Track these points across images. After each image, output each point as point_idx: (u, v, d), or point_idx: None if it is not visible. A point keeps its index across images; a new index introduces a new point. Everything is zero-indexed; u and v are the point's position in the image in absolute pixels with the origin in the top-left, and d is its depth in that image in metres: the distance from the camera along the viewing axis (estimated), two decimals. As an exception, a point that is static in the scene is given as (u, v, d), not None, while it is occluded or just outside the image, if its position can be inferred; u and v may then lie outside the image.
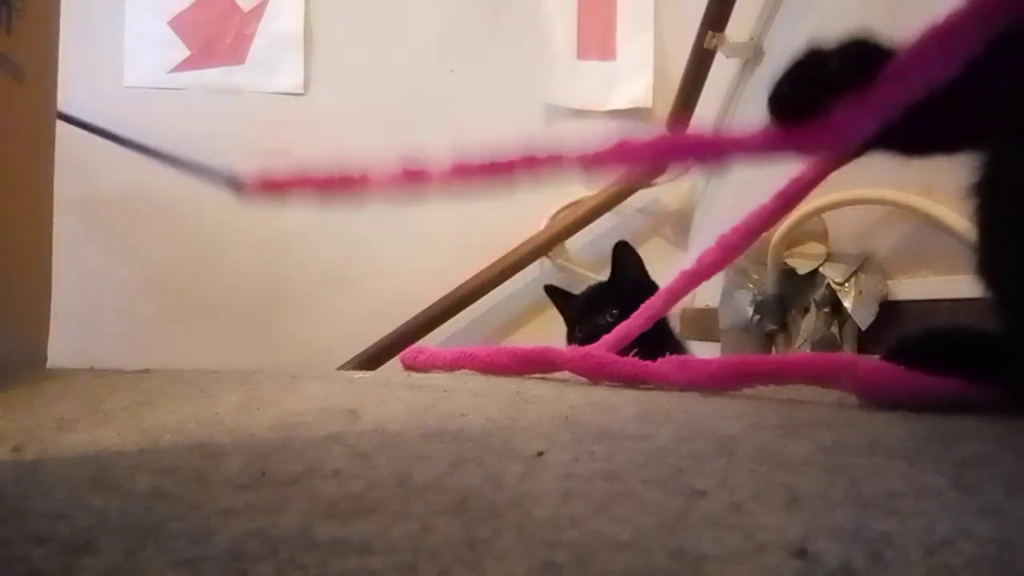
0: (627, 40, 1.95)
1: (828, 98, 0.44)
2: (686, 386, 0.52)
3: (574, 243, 1.92)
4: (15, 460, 0.29)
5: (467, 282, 1.82)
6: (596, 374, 0.69)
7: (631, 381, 0.61)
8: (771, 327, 1.24)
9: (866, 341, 1.06)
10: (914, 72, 0.41)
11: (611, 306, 1.18)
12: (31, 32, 0.57)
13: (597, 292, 1.29)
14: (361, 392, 0.51)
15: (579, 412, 0.42)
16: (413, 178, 0.58)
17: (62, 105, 0.79)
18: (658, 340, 1.09)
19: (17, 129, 0.58)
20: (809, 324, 1.14)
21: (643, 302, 1.11)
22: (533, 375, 0.78)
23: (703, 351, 1.32)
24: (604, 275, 1.69)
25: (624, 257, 1.28)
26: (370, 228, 1.91)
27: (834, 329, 1.10)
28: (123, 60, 1.84)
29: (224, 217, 1.80)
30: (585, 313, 1.24)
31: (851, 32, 0.47)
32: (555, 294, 1.36)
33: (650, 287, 1.18)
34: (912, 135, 0.47)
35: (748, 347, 1.23)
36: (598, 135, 0.56)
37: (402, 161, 0.60)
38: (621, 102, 1.95)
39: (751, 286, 1.26)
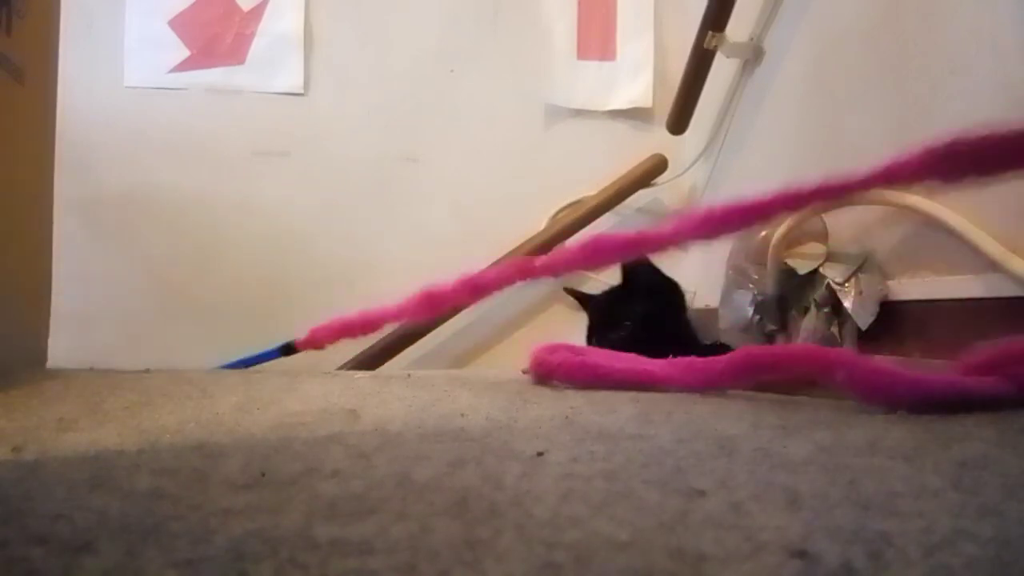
0: (627, 40, 1.95)
1: None
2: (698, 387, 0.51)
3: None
4: (15, 460, 0.29)
5: (467, 282, 1.82)
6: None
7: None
8: (771, 327, 1.23)
9: (866, 341, 1.06)
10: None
11: (624, 317, 1.14)
12: (31, 32, 0.57)
13: (612, 298, 1.21)
14: (361, 392, 0.51)
15: (579, 412, 0.42)
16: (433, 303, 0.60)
17: (62, 105, 0.79)
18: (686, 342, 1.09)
19: (17, 129, 0.58)
20: (809, 324, 1.13)
21: (660, 306, 1.11)
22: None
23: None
24: (603, 276, 1.68)
25: (633, 263, 1.17)
26: (370, 228, 1.91)
27: (834, 329, 1.10)
28: (123, 60, 1.83)
29: (224, 217, 1.81)
30: (600, 321, 1.19)
31: None
32: (575, 296, 1.28)
33: (667, 287, 1.16)
34: None
35: (748, 347, 1.23)
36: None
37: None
38: (621, 102, 1.95)
39: (751, 286, 1.26)
